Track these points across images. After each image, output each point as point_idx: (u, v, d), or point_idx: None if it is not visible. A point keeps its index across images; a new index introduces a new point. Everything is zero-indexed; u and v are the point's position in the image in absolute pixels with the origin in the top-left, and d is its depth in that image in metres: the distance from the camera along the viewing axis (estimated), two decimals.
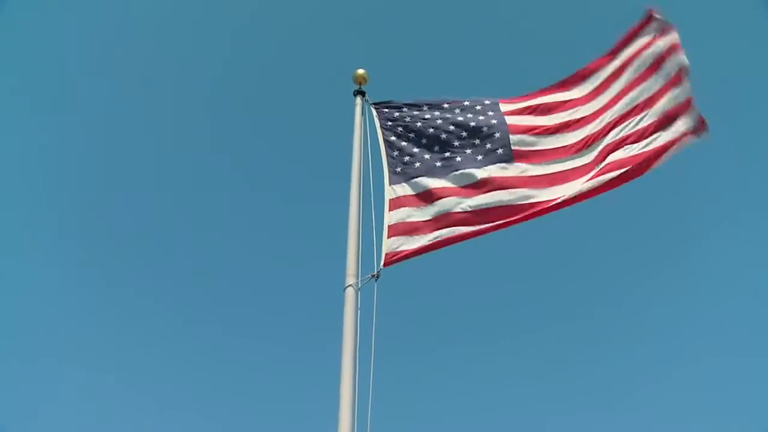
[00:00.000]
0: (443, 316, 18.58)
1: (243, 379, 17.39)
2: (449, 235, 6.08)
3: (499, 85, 21.82)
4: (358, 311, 5.58)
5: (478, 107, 6.93)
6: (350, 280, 5.75)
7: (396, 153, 6.84)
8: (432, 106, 7.12)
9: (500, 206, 6.14)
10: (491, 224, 6.04)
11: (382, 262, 5.92)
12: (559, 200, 5.97)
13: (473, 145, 6.72)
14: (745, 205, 18.36)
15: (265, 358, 18.06)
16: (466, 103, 7.05)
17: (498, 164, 6.49)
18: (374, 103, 7.34)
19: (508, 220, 6.03)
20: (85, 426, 15.17)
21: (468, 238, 6.08)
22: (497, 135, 6.71)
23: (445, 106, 7.12)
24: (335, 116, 16.86)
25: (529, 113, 6.83)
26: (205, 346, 17.86)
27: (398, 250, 6.04)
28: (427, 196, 6.43)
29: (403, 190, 6.53)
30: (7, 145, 17.16)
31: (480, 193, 6.29)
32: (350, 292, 5.65)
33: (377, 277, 5.78)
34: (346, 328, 5.44)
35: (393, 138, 6.98)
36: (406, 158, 6.79)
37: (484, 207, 6.17)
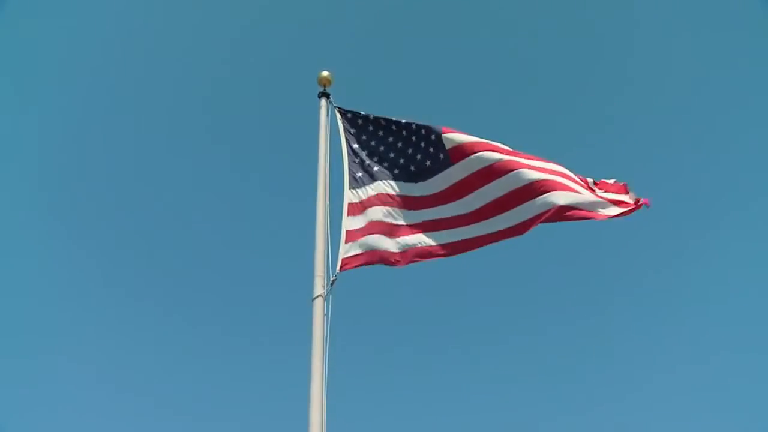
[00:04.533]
0: (418, 319, 18.84)
1: (215, 379, 17.82)
2: (404, 252, 6.46)
3: (462, 91, 21.81)
4: (326, 317, 5.83)
5: (424, 141, 6.99)
6: (318, 286, 5.96)
7: (357, 159, 7.04)
8: (394, 123, 7.23)
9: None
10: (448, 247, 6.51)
11: (338, 266, 6.17)
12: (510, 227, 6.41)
13: (425, 164, 6.93)
14: (742, 202, 18.60)
15: (235, 359, 18.42)
16: (415, 136, 7.09)
17: (442, 172, 6.78)
18: (339, 109, 7.45)
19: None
20: (84, 425, 15.62)
21: (425, 258, 6.50)
22: (442, 157, 6.89)
23: (409, 124, 7.19)
24: (300, 118, 16.86)
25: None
26: (173, 347, 18.23)
27: (354, 255, 6.34)
28: (382, 201, 6.72)
29: (362, 195, 6.77)
30: (7, 145, 17.31)
31: (431, 206, 6.70)
32: (318, 301, 5.90)
33: (333, 281, 6.03)
34: (315, 336, 5.70)
35: (355, 145, 7.16)
36: (367, 163, 7.00)
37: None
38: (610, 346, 18.22)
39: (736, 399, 15.62)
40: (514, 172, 6.47)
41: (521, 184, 6.41)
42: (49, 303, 17.31)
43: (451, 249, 6.55)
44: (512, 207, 6.44)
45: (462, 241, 6.55)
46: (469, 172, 6.68)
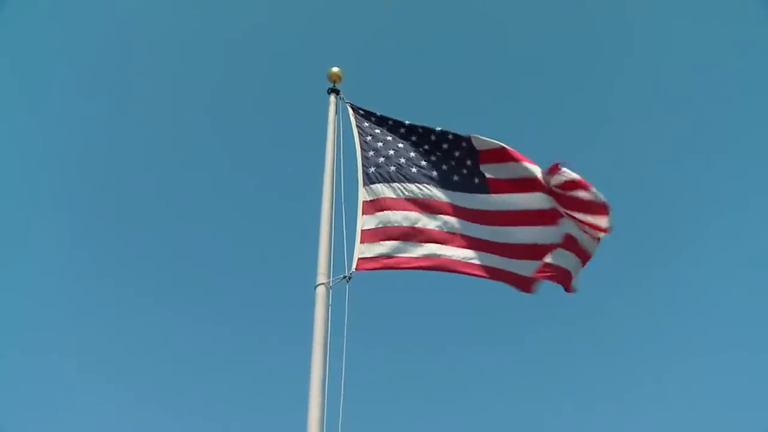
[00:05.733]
0: (420, 316, 18.70)
1: (214, 373, 17.57)
2: (425, 259, 6.20)
3: (474, 90, 22.03)
4: (329, 309, 5.63)
5: (450, 136, 6.75)
6: (322, 278, 5.79)
7: (371, 153, 6.79)
8: (407, 126, 7.00)
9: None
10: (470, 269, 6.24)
11: (354, 265, 5.93)
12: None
13: (449, 164, 6.68)
14: (742, 201, 18.59)
15: (236, 352, 18.26)
16: (438, 129, 6.83)
17: (475, 194, 6.50)
18: (351, 104, 7.27)
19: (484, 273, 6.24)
20: (83, 424, 15.31)
21: (446, 270, 6.23)
22: (469, 163, 6.62)
23: (420, 130, 6.95)
24: (310, 114, 16.91)
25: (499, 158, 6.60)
26: (176, 345, 18.06)
27: (371, 257, 6.07)
28: (401, 204, 6.43)
29: (377, 193, 6.49)
30: (7, 145, 17.31)
31: (456, 216, 6.41)
32: (321, 291, 5.71)
33: (349, 278, 5.80)
34: (317, 325, 5.50)
35: (369, 138, 6.93)
36: (381, 160, 6.73)
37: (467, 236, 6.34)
38: (611, 346, 18.29)
39: (735, 398, 15.56)
40: (549, 227, 6.28)
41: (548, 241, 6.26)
42: (48, 303, 17.13)
43: (472, 270, 6.29)
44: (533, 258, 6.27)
45: (485, 267, 6.30)
46: (509, 209, 6.41)
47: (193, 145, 20.72)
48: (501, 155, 6.47)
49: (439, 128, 6.82)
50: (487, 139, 6.56)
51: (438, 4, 21.94)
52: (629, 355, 17.80)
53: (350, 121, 7.09)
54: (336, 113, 7.19)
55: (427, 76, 22.01)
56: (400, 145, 6.86)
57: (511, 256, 6.29)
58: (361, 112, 7.20)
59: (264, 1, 21.51)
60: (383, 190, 6.51)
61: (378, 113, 7.16)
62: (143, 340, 17.71)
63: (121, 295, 18.12)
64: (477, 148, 6.59)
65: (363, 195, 6.46)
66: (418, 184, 6.54)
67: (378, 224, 6.30)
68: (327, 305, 5.64)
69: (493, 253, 6.31)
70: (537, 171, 6.27)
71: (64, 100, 18.76)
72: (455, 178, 6.61)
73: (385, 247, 6.18)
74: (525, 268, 6.25)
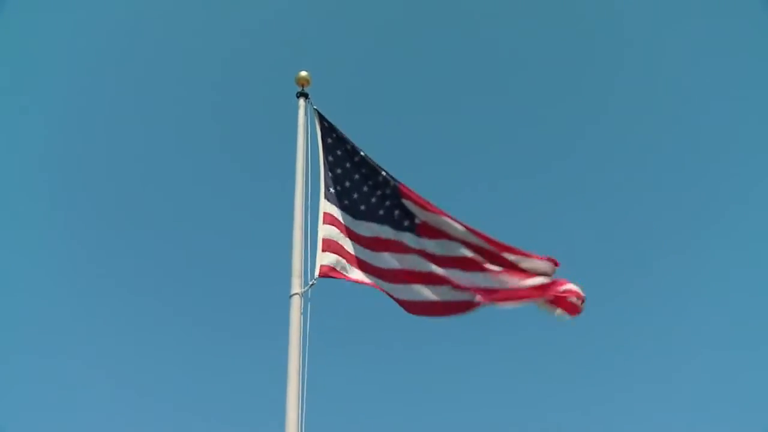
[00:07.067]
0: (399, 320, 18.44)
1: (192, 375, 17.87)
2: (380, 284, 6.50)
3: (468, 91, 21.92)
4: (302, 316, 5.82)
5: (388, 189, 6.93)
6: (295, 287, 5.95)
7: (331, 175, 6.97)
8: (359, 159, 7.10)
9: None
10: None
11: (317, 272, 6.13)
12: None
13: (388, 205, 6.89)
14: (739, 200, 18.52)
15: (212, 357, 18.42)
16: (381, 176, 6.96)
17: (407, 233, 6.75)
18: (318, 112, 7.33)
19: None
20: (85, 425, 15.65)
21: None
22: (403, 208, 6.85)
23: (369, 165, 7.06)
24: (278, 120, 16.86)
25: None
26: (167, 340, 18.45)
27: (333, 266, 6.28)
28: (352, 234, 6.69)
29: (336, 213, 6.72)
30: (7, 145, 17.46)
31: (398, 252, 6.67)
32: (295, 300, 5.89)
33: (311, 285, 6.00)
34: (291, 335, 5.69)
35: (331, 158, 7.07)
36: (338, 187, 6.92)
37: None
38: (604, 346, 18.37)
39: (735, 398, 15.70)
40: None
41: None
42: (47, 302, 17.37)
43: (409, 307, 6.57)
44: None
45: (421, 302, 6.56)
46: (438, 252, 6.68)
47: (189, 145, 20.82)
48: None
49: (384, 173, 6.95)
50: (419, 204, 6.77)
51: (409, 7, 21.75)
52: (626, 355, 17.96)
53: (317, 131, 7.19)
54: (306, 116, 7.27)
55: (396, 80, 22.00)
56: (348, 184, 6.99)
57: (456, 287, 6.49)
58: (326, 124, 7.28)
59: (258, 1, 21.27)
60: (340, 215, 6.74)
61: (338, 132, 7.23)
62: (144, 340, 18.08)
63: (119, 295, 18.44)
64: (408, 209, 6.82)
65: (325, 206, 6.65)
66: (366, 222, 6.80)
67: (336, 239, 6.51)
68: (300, 314, 5.81)
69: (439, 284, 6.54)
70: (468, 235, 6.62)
71: (64, 100, 18.89)
72: (396, 212, 6.83)
73: (343, 264, 6.40)
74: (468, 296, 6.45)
